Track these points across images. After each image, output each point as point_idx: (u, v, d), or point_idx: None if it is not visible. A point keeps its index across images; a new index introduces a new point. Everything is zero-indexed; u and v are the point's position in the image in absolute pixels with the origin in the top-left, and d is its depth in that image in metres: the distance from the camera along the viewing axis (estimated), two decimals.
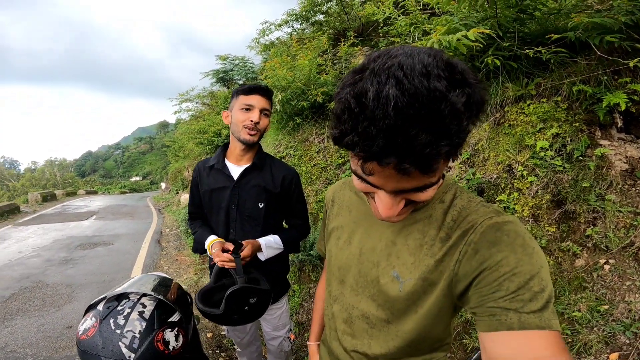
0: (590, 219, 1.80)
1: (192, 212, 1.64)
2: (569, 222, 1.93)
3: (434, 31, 2.38)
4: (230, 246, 1.29)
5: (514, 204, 2.12)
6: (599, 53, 1.74)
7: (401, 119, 0.40)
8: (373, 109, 0.41)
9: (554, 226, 1.96)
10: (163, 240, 7.03)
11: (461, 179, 2.45)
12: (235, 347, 1.89)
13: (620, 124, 1.86)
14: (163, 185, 22.44)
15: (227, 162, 1.50)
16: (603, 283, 1.68)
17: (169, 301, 1.02)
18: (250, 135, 1.41)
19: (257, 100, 1.41)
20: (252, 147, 1.48)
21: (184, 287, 1.29)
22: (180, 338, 0.98)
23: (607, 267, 1.67)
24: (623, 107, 1.68)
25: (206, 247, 1.43)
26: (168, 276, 1.26)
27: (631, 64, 1.58)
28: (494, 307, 0.51)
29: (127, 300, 0.97)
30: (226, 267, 1.27)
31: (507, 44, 1.85)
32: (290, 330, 1.75)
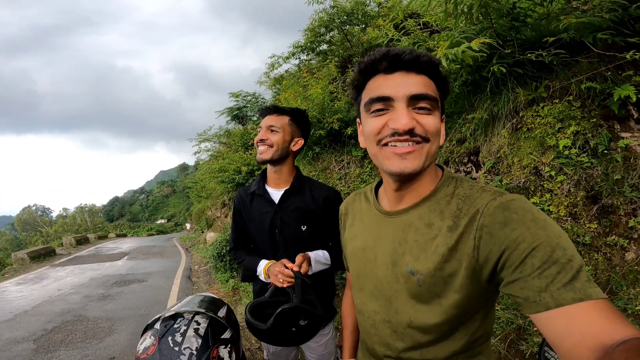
0: (629, 211, 1.78)
1: (235, 239, 1.61)
2: (609, 217, 1.90)
3: (437, 47, 2.49)
4: (293, 265, 1.27)
5: (548, 205, 2.12)
6: (596, 50, 1.78)
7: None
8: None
9: (595, 222, 1.93)
10: (193, 276, 7.19)
11: None
12: None
13: (636, 115, 1.87)
14: (188, 225, 22.91)
15: (267, 187, 1.51)
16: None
17: (220, 319, 1.05)
18: (260, 153, 1.44)
19: (265, 120, 1.45)
20: (278, 165, 1.48)
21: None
22: (233, 355, 1.00)
23: None
24: (634, 99, 1.70)
25: (260, 271, 1.42)
26: (217, 296, 1.28)
27: (628, 56, 1.61)
28: (525, 287, 0.51)
29: (182, 318, 1.01)
30: (285, 285, 1.23)
31: (509, 51, 1.92)
32: (339, 359, 1.66)
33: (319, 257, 1.42)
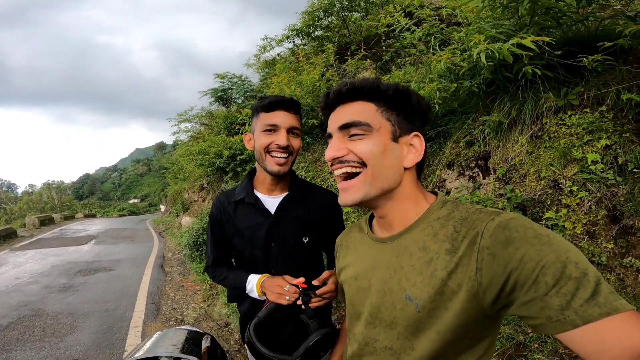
0: None
1: (216, 258, 1.34)
2: (627, 237, 1.80)
3: (454, 41, 2.27)
4: (288, 278, 1.07)
5: (563, 221, 1.97)
6: None
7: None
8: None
9: (611, 242, 1.83)
10: (166, 265, 6.81)
11: (500, 195, 2.28)
12: None
13: None
14: (162, 207, 22.22)
15: (257, 193, 1.25)
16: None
17: None
18: (279, 165, 1.15)
19: (282, 118, 1.14)
20: (282, 178, 1.24)
21: (209, 331, 1.07)
22: None
23: None
24: None
25: (252, 287, 1.17)
26: (196, 329, 1.08)
27: None
28: (545, 307, 0.49)
29: None
30: (286, 303, 1.03)
31: (559, 52, 1.71)
32: None
33: None
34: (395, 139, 0.67)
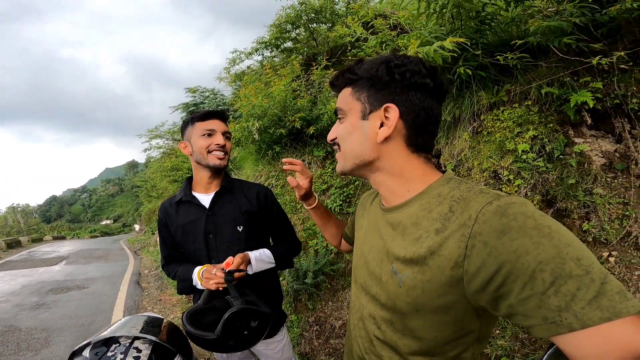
0: (583, 215, 1.85)
1: (166, 256, 1.52)
2: (563, 220, 1.96)
3: (405, 47, 2.47)
4: (220, 268, 1.21)
5: None
6: (559, 54, 1.84)
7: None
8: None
9: None
10: (143, 282, 6.66)
11: None
12: None
13: (589, 121, 1.95)
14: (137, 227, 21.54)
15: (195, 193, 1.45)
16: (613, 276, 1.70)
17: (166, 343, 0.91)
18: (220, 159, 1.37)
19: (217, 125, 1.39)
20: (220, 173, 1.44)
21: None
22: None
23: (612, 259, 1.70)
24: (592, 105, 1.77)
25: (195, 278, 1.33)
26: (157, 315, 1.14)
27: (594, 62, 1.67)
28: (542, 307, 0.46)
29: (118, 344, 0.85)
30: (220, 288, 1.18)
31: (479, 52, 1.93)
32: None
33: (262, 256, 1.37)
34: (365, 116, 0.68)
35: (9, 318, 4.48)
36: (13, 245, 15.72)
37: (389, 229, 0.70)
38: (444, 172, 0.71)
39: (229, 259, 1.24)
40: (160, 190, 12.04)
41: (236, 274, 1.19)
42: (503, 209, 0.52)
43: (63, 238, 25.64)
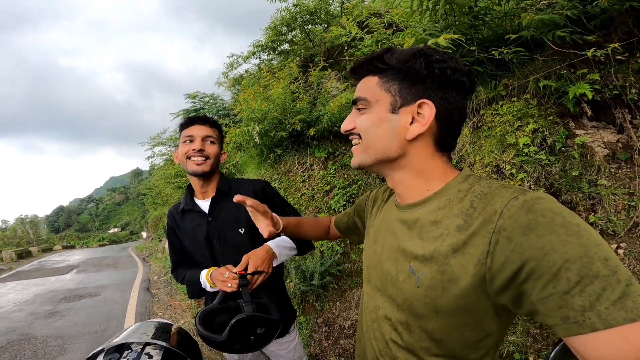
0: (588, 207, 1.83)
1: (175, 260, 1.54)
2: None
3: (401, 45, 2.46)
4: (231, 268, 1.22)
5: None
6: (554, 48, 1.83)
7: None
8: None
9: None
10: (153, 288, 6.73)
11: None
12: None
13: (589, 112, 1.94)
14: (144, 234, 21.70)
15: (195, 200, 1.46)
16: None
17: (177, 348, 0.93)
18: (198, 164, 1.34)
19: (196, 130, 1.37)
20: (209, 177, 1.42)
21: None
22: None
23: (620, 251, 1.68)
24: (590, 97, 1.75)
25: (204, 280, 1.33)
26: (166, 321, 1.16)
27: (589, 54, 1.65)
28: (563, 306, 0.45)
29: (130, 351, 0.87)
30: (230, 290, 1.18)
31: (474, 48, 1.92)
32: None
33: (283, 243, 1.36)
34: (395, 110, 0.64)
35: (24, 327, 4.53)
36: (23, 255, 15.90)
37: (404, 228, 0.67)
38: (460, 170, 0.68)
39: (243, 260, 1.23)
40: (165, 197, 12.11)
41: (257, 276, 1.20)
42: (530, 204, 0.50)
43: (72, 247, 25.91)
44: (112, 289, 6.82)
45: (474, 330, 0.58)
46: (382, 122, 0.65)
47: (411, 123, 0.63)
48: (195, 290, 1.42)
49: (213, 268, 1.32)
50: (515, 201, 0.51)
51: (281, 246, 1.34)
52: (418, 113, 0.62)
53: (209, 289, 1.33)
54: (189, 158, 1.35)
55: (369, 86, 0.67)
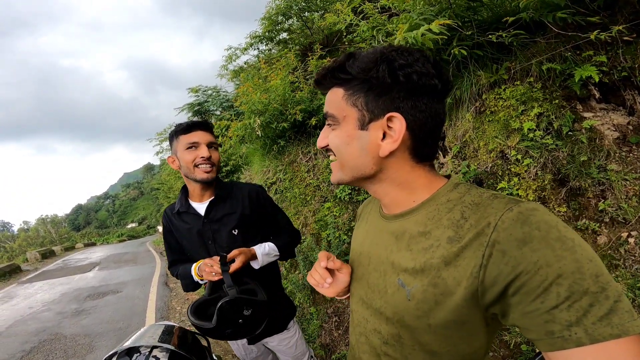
0: (598, 193, 1.75)
1: (173, 260, 1.57)
2: (578, 199, 1.86)
3: (397, 31, 2.36)
4: (216, 259, 1.26)
5: (517, 190, 2.08)
6: (555, 30, 1.72)
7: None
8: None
9: (564, 206, 1.90)
10: (170, 282, 6.94)
11: (457, 172, 2.40)
12: None
13: (597, 95, 1.84)
14: (160, 228, 22.20)
15: (191, 202, 1.47)
16: (634, 258, 1.60)
17: (182, 350, 0.98)
18: (206, 172, 1.35)
19: (200, 136, 1.36)
20: (211, 184, 1.44)
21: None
22: None
23: (631, 240, 1.61)
24: (597, 79, 1.66)
25: (193, 272, 1.39)
26: (172, 323, 1.22)
27: (592, 36, 1.55)
28: (550, 320, 0.44)
29: (139, 354, 0.93)
30: (216, 279, 1.24)
31: (469, 32, 1.83)
32: (312, 357, 1.70)
33: (267, 250, 1.41)
34: (363, 126, 0.59)
35: (54, 326, 4.71)
36: (47, 255, 16.29)
37: (391, 239, 0.65)
38: (448, 177, 0.65)
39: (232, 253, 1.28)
40: (176, 191, 12.29)
41: (232, 265, 1.24)
42: (525, 216, 0.48)
43: (94, 244, 26.74)
44: (132, 285, 7.06)
45: (468, 342, 0.58)
46: (352, 139, 0.60)
47: (383, 138, 0.59)
48: (189, 284, 1.45)
49: (200, 261, 1.36)
50: (510, 213, 0.49)
51: (266, 253, 1.40)
52: (389, 127, 0.58)
53: (196, 280, 1.40)
54: (196, 166, 1.35)
55: (336, 100, 0.62)
